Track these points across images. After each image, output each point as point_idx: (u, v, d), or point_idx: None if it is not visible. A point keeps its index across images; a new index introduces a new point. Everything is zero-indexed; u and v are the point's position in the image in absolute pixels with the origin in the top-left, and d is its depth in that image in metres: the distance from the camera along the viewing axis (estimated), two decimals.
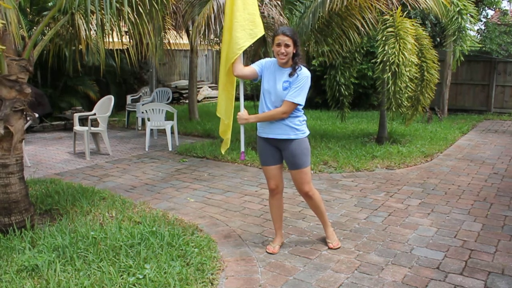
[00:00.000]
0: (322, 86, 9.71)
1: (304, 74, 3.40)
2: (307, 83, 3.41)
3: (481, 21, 12.54)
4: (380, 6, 6.46)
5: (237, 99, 3.66)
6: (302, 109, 3.56)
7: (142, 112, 8.53)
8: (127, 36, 4.89)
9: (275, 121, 3.47)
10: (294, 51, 3.40)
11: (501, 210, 4.73)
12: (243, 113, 3.54)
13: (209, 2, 6.15)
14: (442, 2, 6.98)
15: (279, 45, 3.37)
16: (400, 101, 7.03)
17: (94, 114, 7.51)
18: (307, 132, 3.57)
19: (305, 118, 3.58)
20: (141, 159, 7.08)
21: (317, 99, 12.45)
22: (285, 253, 3.65)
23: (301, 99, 3.40)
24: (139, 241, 3.57)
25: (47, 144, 8.37)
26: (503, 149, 7.94)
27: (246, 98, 15.23)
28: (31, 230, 3.84)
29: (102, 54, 4.60)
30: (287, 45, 3.35)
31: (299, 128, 3.49)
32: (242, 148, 3.75)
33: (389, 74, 6.87)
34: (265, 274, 3.30)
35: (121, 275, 3.10)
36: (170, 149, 7.73)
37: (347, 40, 7.10)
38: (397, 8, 6.78)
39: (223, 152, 3.86)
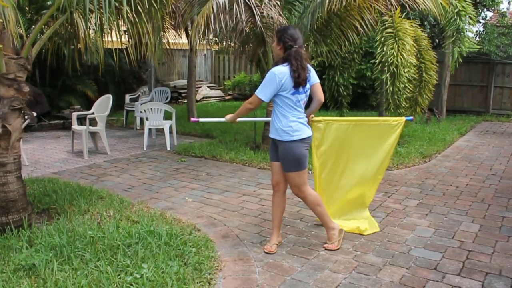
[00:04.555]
0: (321, 87, 9.70)
1: (271, 70, 3.46)
2: (269, 78, 3.42)
3: (480, 22, 12.56)
4: (379, 6, 6.46)
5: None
6: (299, 110, 3.55)
7: (141, 112, 8.53)
8: (126, 36, 4.88)
9: (272, 120, 3.59)
10: (279, 47, 3.50)
11: (498, 211, 4.73)
12: (229, 115, 3.81)
13: (208, 2, 6.14)
14: (441, 3, 6.99)
15: None
16: (398, 102, 7.03)
17: (93, 113, 7.50)
18: (298, 137, 3.48)
19: (296, 121, 3.49)
20: (139, 159, 7.07)
21: None
22: (283, 253, 3.65)
23: (261, 93, 3.45)
24: (136, 241, 3.57)
25: (45, 143, 8.36)
26: (501, 150, 7.96)
27: (245, 98, 15.27)
28: (28, 229, 3.83)
29: (101, 53, 4.58)
30: (274, 41, 3.56)
31: (285, 130, 3.48)
32: (200, 120, 4.18)
33: (388, 74, 6.88)
34: (263, 274, 3.30)
35: (119, 275, 3.09)
36: (168, 148, 7.72)
37: (346, 41, 7.11)
38: (396, 9, 6.78)
39: None
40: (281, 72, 3.40)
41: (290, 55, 3.43)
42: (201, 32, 6.15)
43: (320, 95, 3.65)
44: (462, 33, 8.74)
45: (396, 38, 6.86)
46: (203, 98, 15.11)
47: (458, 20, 8.52)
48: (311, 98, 3.65)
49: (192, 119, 4.09)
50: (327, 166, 4.08)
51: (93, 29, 4.82)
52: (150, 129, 8.32)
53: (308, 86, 3.55)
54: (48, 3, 9.07)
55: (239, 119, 3.79)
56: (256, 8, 6.18)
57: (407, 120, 4.02)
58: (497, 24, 12.52)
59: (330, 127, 3.98)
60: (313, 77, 3.60)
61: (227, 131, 8.95)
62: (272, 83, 3.40)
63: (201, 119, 4.16)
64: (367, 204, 4.32)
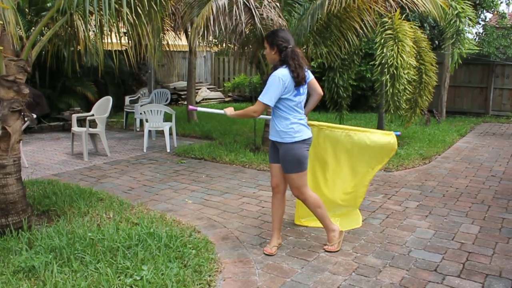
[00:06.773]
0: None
1: (273, 74, 3.44)
2: (273, 82, 3.41)
3: (480, 24, 12.58)
4: (379, 8, 6.46)
5: None
6: (300, 111, 3.55)
7: (141, 113, 8.53)
8: (126, 37, 4.88)
9: (272, 122, 3.60)
10: (273, 52, 3.50)
11: (498, 213, 4.73)
12: (230, 109, 3.74)
13: (208, 4, 6.14)
14: (441, 5, 6.99)
15: None
16: (398, 104, 7.03)
17: (92, 115, 7.50)
18: (299, 138, 3.50)
19: (297, 122, 3.52)
20: (139, 160, 7.07)
21: None
22: (282, 255, 3.65)
23: (266, 98, 3.42)
24: (136, 243, 3.56)
25: (45, 145, 8.35)
26: (501, 152, 7.96)
27: (245, 99, 15.29)
28: (28, 231, 3.83)
29: (100, 55, 4.58)
30: (266, 47, 3.56)
31: (287, 131, 3.50)
32: (198, 109, 4.07)
33: (388, 76, 6.88)
34: (263, 276, 3.30)
35: (118, 277, 3.09)
36: (168, 150, 7.72)
37: (345, 42, 7.10)
38: (396, 10, 6.78)
39: None
40: (283, 75, 3.41)
41: (287, 56, 3.44)
42: (200, 34, 6.15)
43: (319, 89, 3.72)
44: (461, 35, 8.73)
45: (396, 40, 6.86)
46: (203, 99, 15.12)
47: (457, 22, 8.52)
48: (308, 97, 3.66)
49: (190, 107, 4.08)
50: (313, 169, 4.12)
51: (93, 31, 4.82)
52: (149, 130, 8.33)
53: (305, 85, 3.57)
54: (48, 5, 9.10)
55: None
56: (255, 10, 6.18)
57: (396, 134, 4.02)
58: (497, 26, 12.55)
59: (323, 133, 4.02)
60: (308, 74, 3.64)
61: (226, 133, 8.95)
62: (276, 87, 3.40)
63: (199, 108, 4.13)
64: (357, 205, 4.41)
